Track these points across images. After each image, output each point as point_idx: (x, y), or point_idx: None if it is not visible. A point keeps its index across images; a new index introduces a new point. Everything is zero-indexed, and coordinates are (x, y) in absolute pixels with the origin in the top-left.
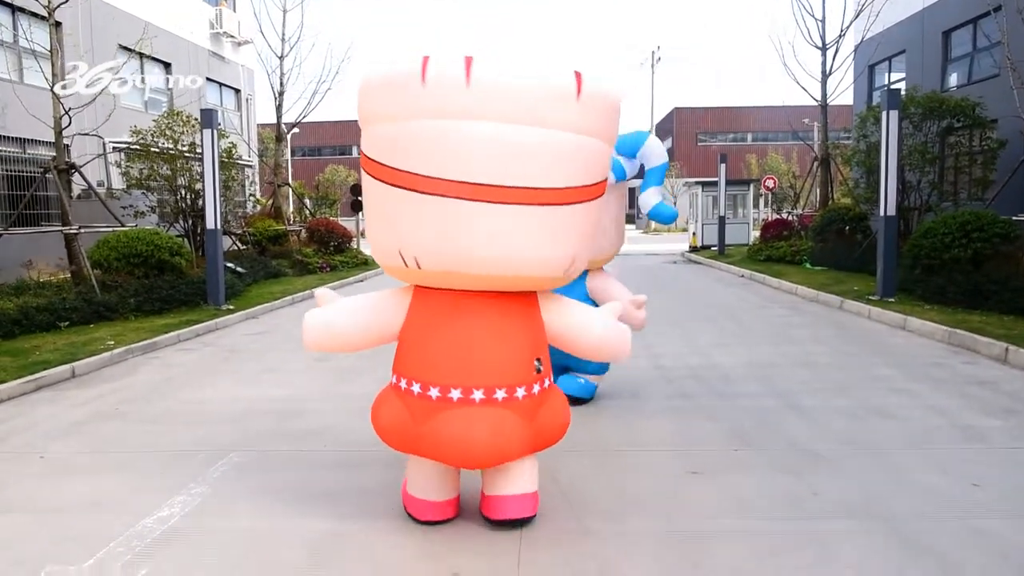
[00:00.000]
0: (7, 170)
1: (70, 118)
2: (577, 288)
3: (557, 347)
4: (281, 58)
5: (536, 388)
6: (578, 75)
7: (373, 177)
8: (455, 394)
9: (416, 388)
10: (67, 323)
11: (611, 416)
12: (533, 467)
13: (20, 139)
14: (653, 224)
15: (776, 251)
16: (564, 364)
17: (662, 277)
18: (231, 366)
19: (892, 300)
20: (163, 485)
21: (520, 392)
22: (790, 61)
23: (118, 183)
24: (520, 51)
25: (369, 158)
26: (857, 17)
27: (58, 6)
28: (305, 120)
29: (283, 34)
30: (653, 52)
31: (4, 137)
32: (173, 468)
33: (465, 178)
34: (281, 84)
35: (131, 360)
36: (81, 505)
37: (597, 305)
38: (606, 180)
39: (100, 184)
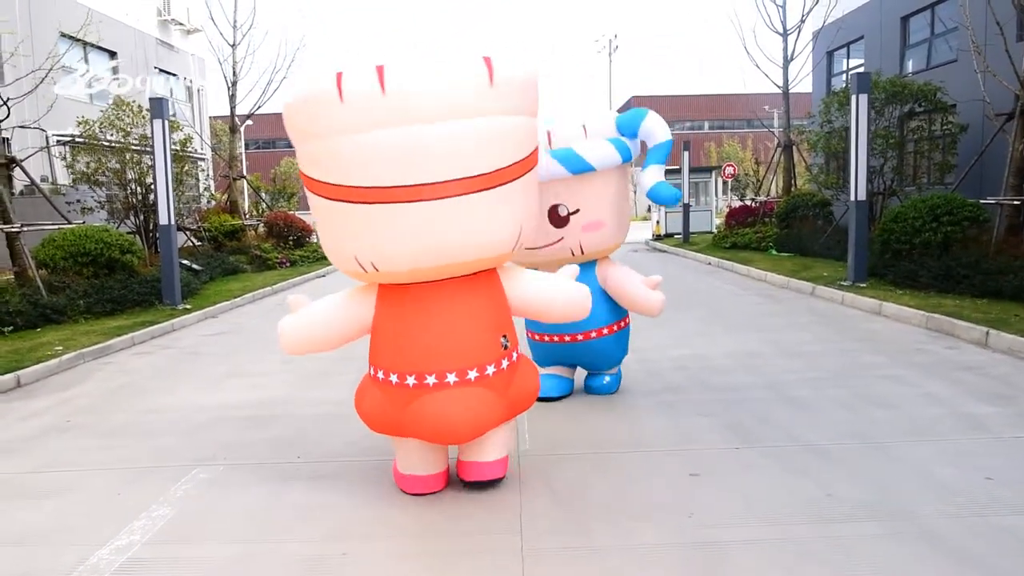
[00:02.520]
0: None
1: (8, 109)
2: (587, 278)
3: (527, 317)
4: (233, 46)
5: (505, 363)
6: (488, 61)
7: (313, 193)
8: (430, 380)
9: (393, 378)
10: (11, 328)
11: (601, 414)
12: (505, 434)
13: None
14: None
15: (741, 238)
16: (575, 364)
17: (629, 266)
18: (192, 370)
19: (864, 285)
20: (121, 508)
21: (490, 369)
22: (752, 47)
23: (63, 178)
24: (436, 47)
25: (308, 176)
26: (817, 3)
27: None
28: (260, 111)
29: (235, 21)
30: (611, 40)
31: None
32: (132, 488)
33: (401, 182)
34: (234, 74)
35: (82, 366)
36: (26, 535)
37: (610, 296)
38: (535, 150)
39: (44, 179)
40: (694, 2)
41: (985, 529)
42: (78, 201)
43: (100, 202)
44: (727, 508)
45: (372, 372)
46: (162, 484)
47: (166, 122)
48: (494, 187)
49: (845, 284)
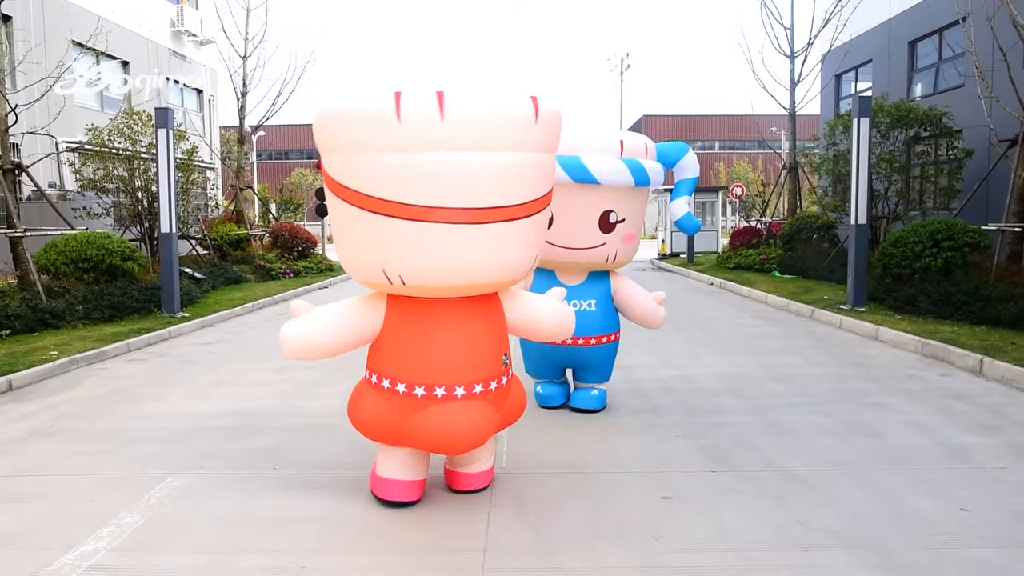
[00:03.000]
0: None
1: (16, 116)
2: (604, 284)
3: (520, 336)
4: (244, 58)
5: (504, 379)
6: (534, 100)
7: (345, 201)
8: (439, 391)
9: (401, 388)
10: (8, 331)
11: (583, 433)
12: (492, 446)
13: None
14: None
15: (745, 259)
16: (571, 369)
17: None
18: (182, 378)
19: (863, 309)
20: (91, 514)
21: (493, 385)
22: (759, 69)
23: (71, 184)
24: (483, 77)
25: (341, 184)
26: (825, 26)
27: None
28: (272, 123)
29: (246, 34)
30: (622, 59)
31: None
32: (105, 494)
33: (445, 204)
34: (244, 85)
35: (75, 372)
36: None
37: (616, 306)
38: (553, 186)
39: (52, 185)
40: (705, 23)
41: (955, 561)
42: (84, 208)
43: (106, 209)
44: (696, 532)
45: (374, 380)
46: (136, 491)
47: (171, 131)
48: (525, 217)
49: (844, 308)
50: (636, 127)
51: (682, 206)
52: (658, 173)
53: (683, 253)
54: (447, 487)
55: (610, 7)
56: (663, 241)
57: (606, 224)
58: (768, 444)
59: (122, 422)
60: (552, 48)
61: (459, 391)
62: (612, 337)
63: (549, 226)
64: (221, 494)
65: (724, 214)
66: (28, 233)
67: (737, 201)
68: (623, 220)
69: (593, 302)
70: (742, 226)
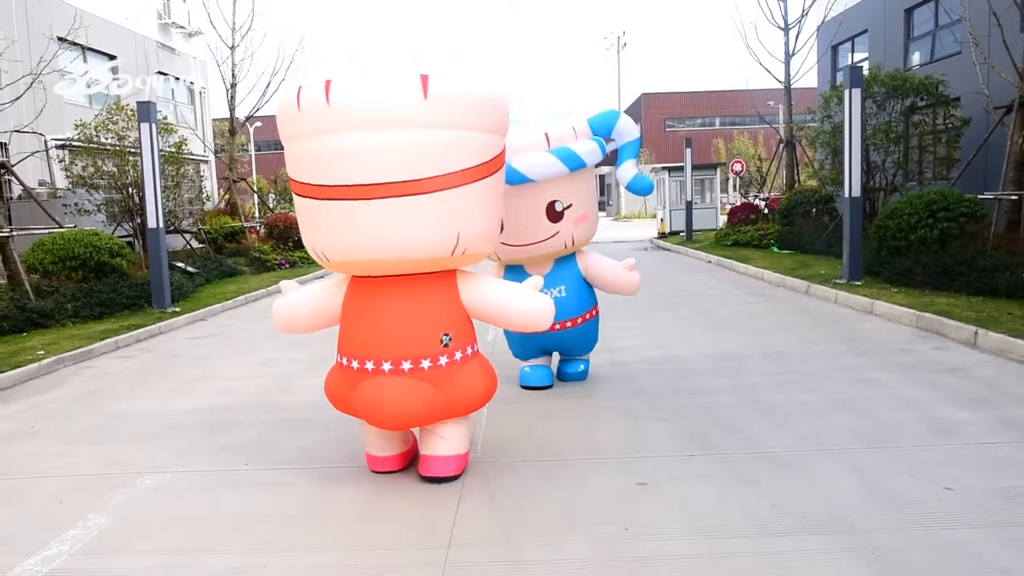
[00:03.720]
0: None
1: None
2: (570, 268)
3: (485, 323)
4: (232, 48)
5: (443, 360)
6: (424, 78)
7: (291, 189)
8: (369, 365)
9: (345, 361)
10: None
11: (560, 419)
12: (458, 432)
13: None
14: (623, 211)
15: (743, 236)
16: (557, 351)
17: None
18: (168, 373)
19: (859, 283)
20: (58, 517)
21: (425, 363)
22: (753, 42)
23: (61, 181)
24: (380, 63)
25: (289, 175)
26: None
27: None
28: (267, 113)
29: (233, 24)
30: (619, 38)
31: None
32: (75, 495)
33: (341, 182)
34: (233, 76)
35: (61, 371)
36: None
37: (590, 282)
38: (486, 164)
39: (43, 183)
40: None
41: (930, 543)
42: (75, 205)
43: (98, 205)
44: (667, 520)
45: (337, 356)
46: (106, 492)
47: (153, 125)
48: (426, 193)
49: (840, 282)
50: (635, 105)
51: (629, 169)
52: (593, 153)
53: (682, 231)
54: (418, 474)
55: None
56: (662, 220)
57: (553, 214)
58: (750, 425)
59: (101, 421)
60: (549, 29)
61: (386, 366)
62: (589, 315)
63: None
64: (190, 493)
65: (726, 191)
66: (15, 232)
67: (737, 177)
68: (570, 205)
69: (563, 288)
70: (740, 203)
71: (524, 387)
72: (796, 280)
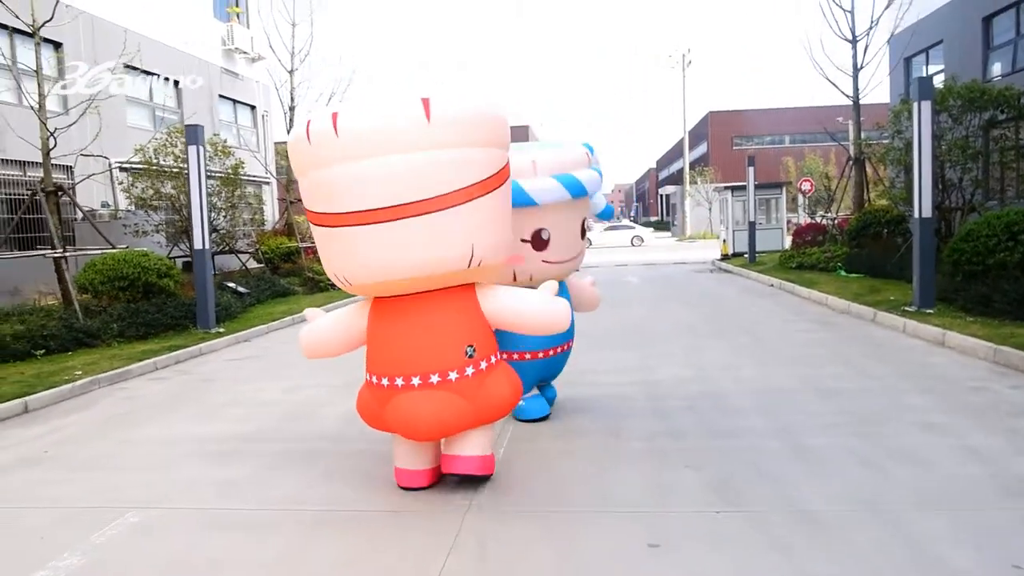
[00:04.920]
0: (7, 193)
1: (55, 140)
2: (564, 293)
3: (504, 329)
4: (291, 72)
5: (469, 370)
6: (425, 102)
7: (308, 220)
8: (399, 381)
9: (375, 379)
10: (43, 351)
11: (576, 459)
12: (483, 434)
13: (20, 162)
14: (687, 232)
15: (809, 258)
16: (549, 376)
17: (685, 288)
18: (195, 398)
19: (931, 312)
20: (34, 554)
21: (452, 375)
22: (819, 56)
23: (124, 203)
24: (385, 93)
25: (305, 206)
26: (889, 6)
27: (42, 25)
28: None
29: (292, 48)
30: (684, 55)
31: (4, 160)
32: (59, 530)
33: (355, 208)
34: (291, 99)
35: (93, 392)
36: None
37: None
38: (492, 177)
39: (105, 205)
40: (765, 15)
41: None
42: (135, 226)
43: (156, 226)
44: None
45: (366, 374)
46: (89, 528)
47: (201, 148)
48: (437, 211)
49: (910, 310)
50: (701, 124)
51: (600, 199)
52: (595, 181)
53: (746, 253)
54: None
55: (669, 4)
56: (724, 241)
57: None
58: (790, 475)
59: (114, 447)
60: (615, 47)
61: (415, 380)
62: (571, 343)
63: (544, 246)
64: (172, 533)
65: (795, 211)
66: (68, 253)
67: (805, 197)
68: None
69: None
70: (805, 223)
71: (522, 420)
72: (862, 307)
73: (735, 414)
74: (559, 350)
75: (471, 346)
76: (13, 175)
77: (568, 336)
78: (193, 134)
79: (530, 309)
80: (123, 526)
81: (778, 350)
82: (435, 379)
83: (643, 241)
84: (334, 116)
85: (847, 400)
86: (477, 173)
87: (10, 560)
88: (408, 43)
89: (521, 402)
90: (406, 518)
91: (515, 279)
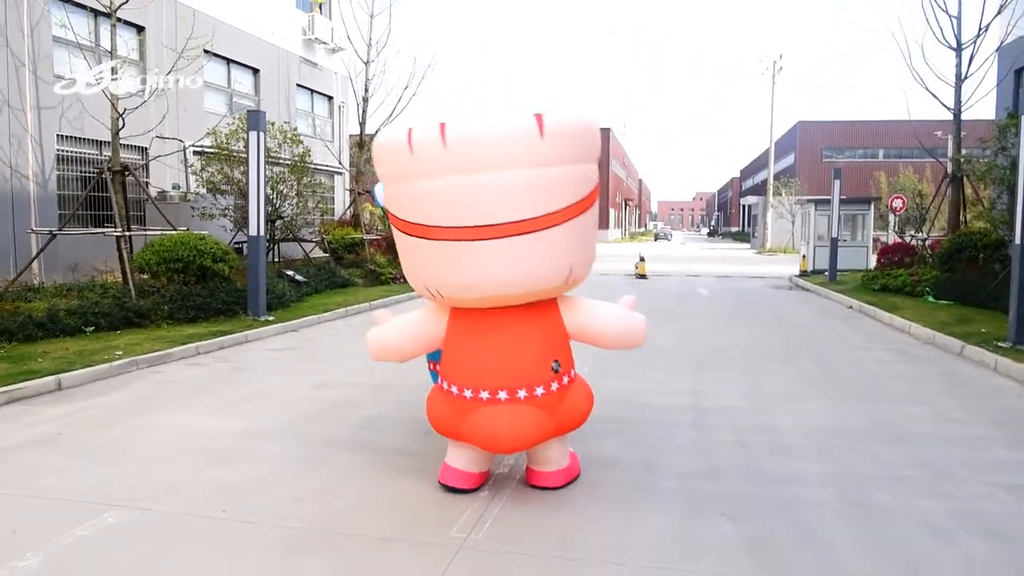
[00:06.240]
0: (84, 171)
1: (123, 121)
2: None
3: (584, 343)
4: (367, 63)
5: (555, 386)
6: (539, 117)
7: (394, 227)
8: (484, 395)
9: (455, 390)
10: (92, 328)
11: (598, 501)
12: (562, 447)
13: (97, 141)
14: (768, 245)
15: (894, 280)
16: None
17: (757, 305)
18: (223, 388)
19: None
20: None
21: (539, 391)
22: (918, 64)
23: (195, 186)
24: (496, 105)
25: (389, 211)
26: (1000, 12)
27: (119, 6)
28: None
29: (370, 39)
30: (775, 62)
31: (81, 139)
32: (33, 525)
33: (458, 223)
34: (366, 90)
35: (129, 374)
36: None
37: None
38: (591, 194)
39: (176, 187)
40: (860, 22)
41: None
42: (203, 209)
43: (222, 210)
44: None
45: (443, 383)
46: (64, 525)
47: (262, 134)
48: (541, 230)
49: (1003, 345)
50: (790, 135)
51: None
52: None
53: (826, 270)
54: (526, 482)
55: (761, 9)
56: (804, 256)
57: None
58: (841, 539)
59: (124, 436)
60: (705, 54)
61: (502, 395)
62: None
63: None
64: (144, 541)
65: (885, 229)
66: (128, 233)
67: (897, 215)
68: None
69: None
70: (893, 242)
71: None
72: (948, 338)
73: (788, 454)
74: None
75: (557, 361)
76: (89, 154)
77: None
78: (255, 120)
79: (612, 324)
80: (97, 527)
81: (848, 382)
82: (522, 394)
83: (669, 239)
84: (442, 126)
85: (922, 448)
86: (580, 190)
87: None
88: (467, 28)
89: None
90: (393, 548)
91: None
